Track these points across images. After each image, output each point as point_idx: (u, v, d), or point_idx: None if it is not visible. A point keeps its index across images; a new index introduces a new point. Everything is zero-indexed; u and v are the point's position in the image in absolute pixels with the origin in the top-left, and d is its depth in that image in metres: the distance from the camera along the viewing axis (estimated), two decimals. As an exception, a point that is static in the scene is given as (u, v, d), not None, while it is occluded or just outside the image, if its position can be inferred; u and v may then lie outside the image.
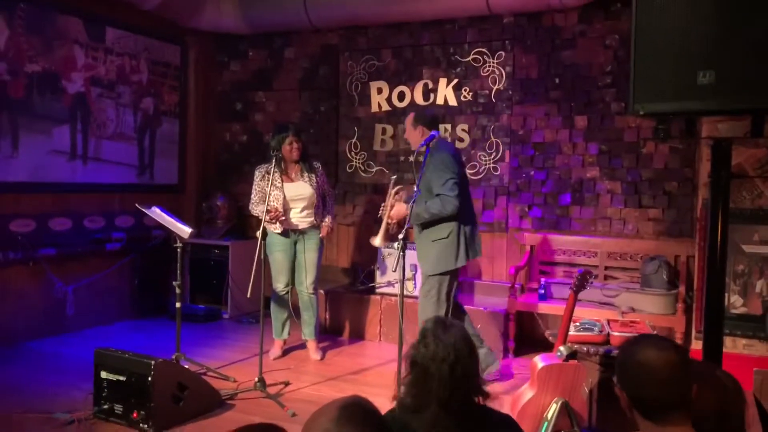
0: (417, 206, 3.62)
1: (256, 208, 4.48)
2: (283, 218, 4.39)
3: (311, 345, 4.68)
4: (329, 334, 5.25)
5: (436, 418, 1.74)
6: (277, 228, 4.44)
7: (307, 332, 4.65)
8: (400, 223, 3.73)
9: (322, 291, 5.18)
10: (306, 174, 4.51)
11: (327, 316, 5.33)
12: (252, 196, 4.55)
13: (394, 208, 3.81)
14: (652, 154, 4.85)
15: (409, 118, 4.01)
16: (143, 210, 4.17)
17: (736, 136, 2.08)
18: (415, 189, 3.49)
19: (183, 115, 6.21)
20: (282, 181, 4.45)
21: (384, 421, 1.37)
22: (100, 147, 5.38)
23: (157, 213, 4.14)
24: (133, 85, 5.67)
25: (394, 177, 4.06)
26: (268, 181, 4.09)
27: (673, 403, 1.41)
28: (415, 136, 3.93)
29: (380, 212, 3.88)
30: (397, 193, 3.87)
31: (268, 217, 4.14)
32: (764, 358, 3.88)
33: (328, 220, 4.61)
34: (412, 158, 4.01)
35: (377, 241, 3.73)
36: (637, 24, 2.04)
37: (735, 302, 4.08)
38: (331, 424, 1.23)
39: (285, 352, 4.71)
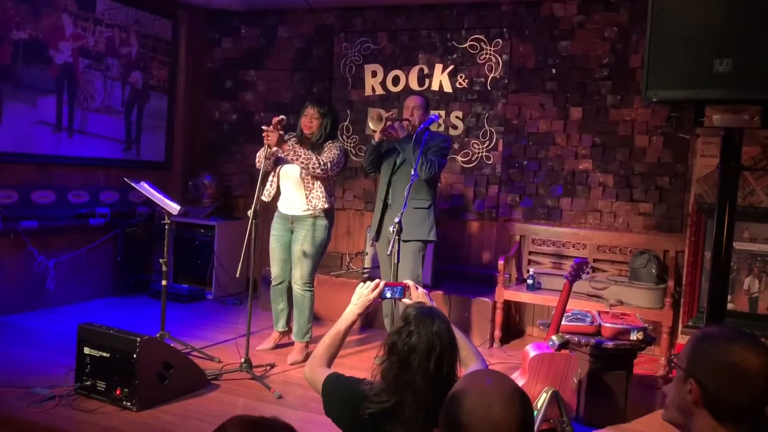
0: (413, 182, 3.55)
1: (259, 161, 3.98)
2: (281, 132, 3.81)
3: (295, 346, 4.21)
4: (315, 320, 5.18)
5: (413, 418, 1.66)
6: (269, 145, 3.80)
7: (293, 331, 4.24)
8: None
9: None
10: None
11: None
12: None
13: (391, 125, 4.03)
14: (645, 148, 4.85)
15: (422, 101, 4.23)
16: (132, 184, 4.07)
17: (743, 127, 2.05)
18: (413, 172, 3.44)
19: (172, 90, 6.09)
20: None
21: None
22: (86, 120, 5.25)
23: (146, 188, 4.05)
24: (122, 58, 5.54)
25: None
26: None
27: (751, 409, 1.33)
28: (424, 118, 4.11)
29: (391, 114, 4.12)
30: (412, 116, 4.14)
31: (270, 127, 3.75)
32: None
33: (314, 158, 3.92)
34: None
35: (378, 127, 3.95)
36: (653, 9, 2.00)
37: (723, 298, 4.10)
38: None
39: (279, 347, 4.35)
